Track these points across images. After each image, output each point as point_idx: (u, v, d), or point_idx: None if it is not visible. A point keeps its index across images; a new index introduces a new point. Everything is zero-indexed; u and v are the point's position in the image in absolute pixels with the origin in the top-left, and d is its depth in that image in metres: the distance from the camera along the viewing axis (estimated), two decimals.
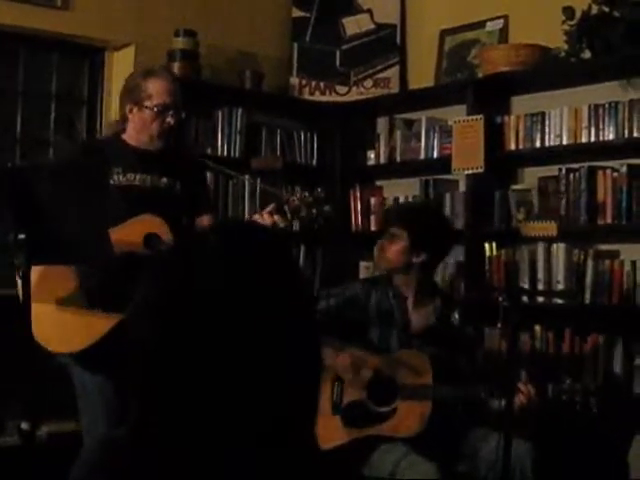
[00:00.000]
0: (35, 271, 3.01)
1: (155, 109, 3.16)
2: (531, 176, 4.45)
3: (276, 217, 3.08)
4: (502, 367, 2.95)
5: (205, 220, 3.29)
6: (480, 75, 4.65)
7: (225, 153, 4.85)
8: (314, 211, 3.17)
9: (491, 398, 2.96)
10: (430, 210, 3.63)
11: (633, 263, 3.99)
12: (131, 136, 3.23)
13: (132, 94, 3.20)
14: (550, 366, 4.09)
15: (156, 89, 3.18)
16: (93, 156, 3.20)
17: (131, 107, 3.20)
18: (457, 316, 3.27)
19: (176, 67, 4.62)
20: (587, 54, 4.15)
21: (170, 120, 3.19)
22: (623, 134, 4.02)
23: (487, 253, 4.39)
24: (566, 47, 4.19)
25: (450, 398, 3.06)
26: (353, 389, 3.14)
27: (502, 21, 4.76)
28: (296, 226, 3.22)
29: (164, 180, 3.23)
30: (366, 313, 3.25)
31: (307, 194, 3.21)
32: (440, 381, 3.06)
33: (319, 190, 3.28)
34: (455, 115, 4.62)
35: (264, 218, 3.06)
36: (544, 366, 4.09)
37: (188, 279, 1.07)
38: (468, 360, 3.23)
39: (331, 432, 3.06)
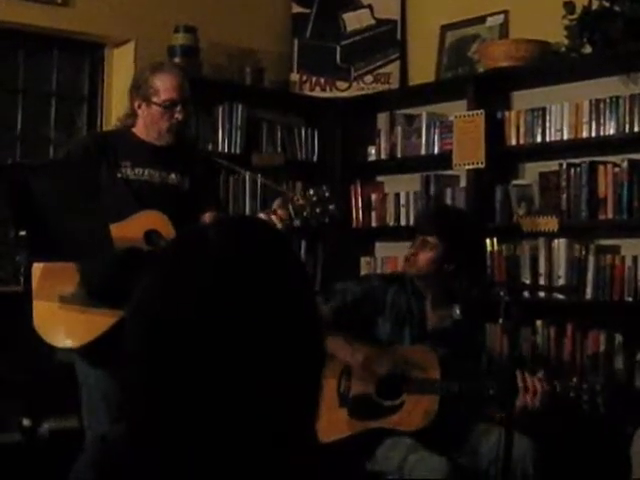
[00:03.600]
0: (37, 268, 3.02)
1: (163, 105, 3.14)
2: (532, 171, 4.45)
3: (280, 214, 3.04)
4: (506, 371, 2.94)
5: (207, 217, 3.22)
6: (481, 70, 4.65)
7: (226, 149, 4.84)
8: (318, 210, 3.13)
9: (495, 407, 2.95)
10: (467, 221, 3.47)
11: (634, 258, 3.98)
12: (141, 130, 3.22)
13: (140, 90, 3.18)
14: (552, 363, 4.10)
15: (164, 85, 3.15)
16: (104, 148, 3.17)
17: (139, 103, 3.19)
18: (458, 311, 3.26)
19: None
20: (588, 49, 4.14)
21: (178, 115, 3.16)
22: (624, 129, 4.01)
23: (488, 248, 4.39)
24: (567, 42, 4.19)
25: (456, 393, 3.05)
26: (361, 382, 3.14)
27: (502, 16, 4.76)
28: (297, 223, 3.16)
29: (172, 176, 3.21)
30: (382, 308, 3.23)
31: (312, 192, 3.15)
32: (447, 379, 3.06)
33: (324, 188, 3.17)
34: (456, 110, 4.61)
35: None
36: (546, 363, 4.09)
37: (186, 275, 1.06)
38: (475, 365, 3.23)
39: (337, 424, 3.06)
